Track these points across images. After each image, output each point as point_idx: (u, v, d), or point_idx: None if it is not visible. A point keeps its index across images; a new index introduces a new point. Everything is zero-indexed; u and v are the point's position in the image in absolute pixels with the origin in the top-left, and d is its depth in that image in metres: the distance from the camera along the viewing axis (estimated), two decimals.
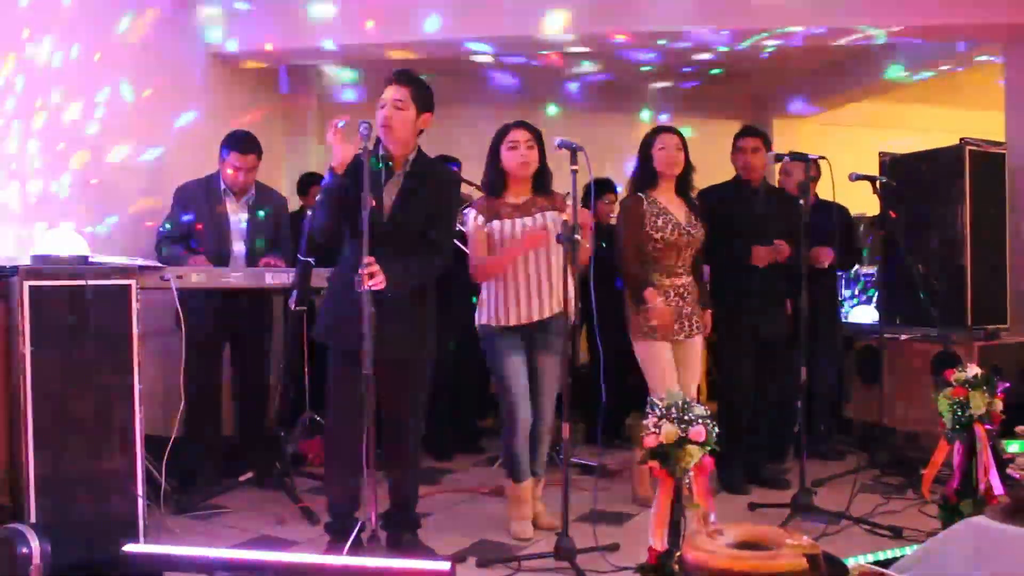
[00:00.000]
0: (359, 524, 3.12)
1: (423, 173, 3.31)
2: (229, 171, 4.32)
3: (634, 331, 4.03)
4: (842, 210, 4.51)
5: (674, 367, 4.00)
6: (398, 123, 3.20)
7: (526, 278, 3.67)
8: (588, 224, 3.60)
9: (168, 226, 4.34)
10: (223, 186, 4.37)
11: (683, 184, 4.09)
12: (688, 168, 4.07)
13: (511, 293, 3.68)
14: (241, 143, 4.33)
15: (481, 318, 3.77)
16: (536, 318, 3.68)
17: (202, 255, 4.21)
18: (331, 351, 3.36)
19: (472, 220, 3.73)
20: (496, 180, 3.75)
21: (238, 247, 4.38)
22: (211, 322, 4.26)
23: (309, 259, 3.85)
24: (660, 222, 3.98)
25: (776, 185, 5.03)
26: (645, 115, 7.63)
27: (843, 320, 5.58)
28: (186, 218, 4.33)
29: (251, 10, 5.35)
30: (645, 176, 4.07)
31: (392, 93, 3.25)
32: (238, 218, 4.39)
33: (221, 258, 4.30)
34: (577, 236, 3.23)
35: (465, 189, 5.04)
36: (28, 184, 4.03)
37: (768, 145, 4.51)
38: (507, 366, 3.69)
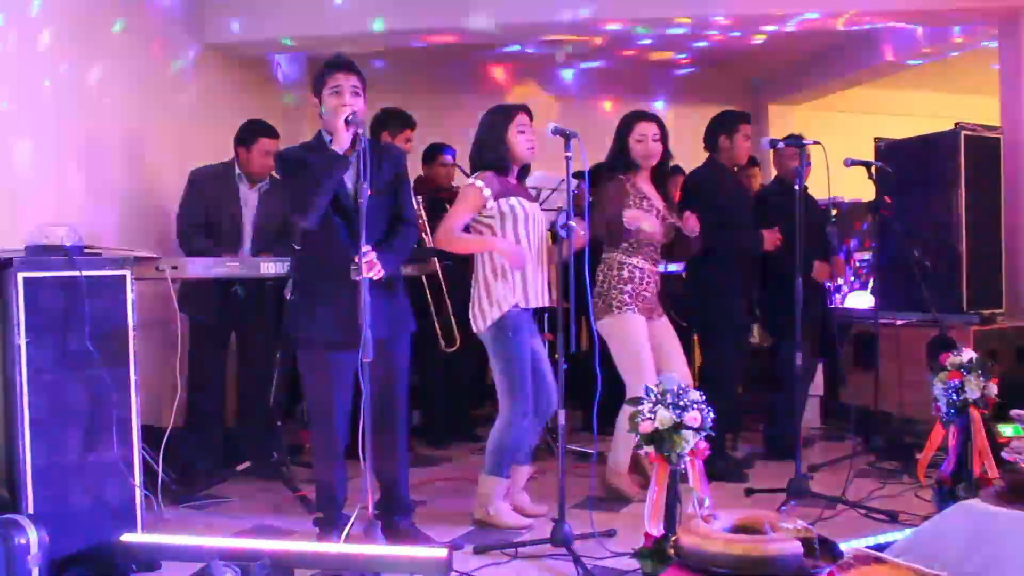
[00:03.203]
0: (350, 519, 3.13)
1: (375, 154, 3.27)
2: (258, 158, 4.41)
3: (601, 308, 3.94)
4: (816, 203, 4.53)
5: (648, 343, 3.96)
6: (359, 111, 3.21)
7: (539, 263, 3.66)
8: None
9: (188, 214, 4.40)
10: (237, 172, 4.44)
11: (659, 173, 4.06)
12: (666, 156, 4.03)
13: (531, 276, 3.62)
14: (271, 129, 4.46)
15: (509, 298, 3.57)
16: (546, 304, 3.70)
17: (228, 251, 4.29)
18: (305, 345, 3.36)
19: (479, 189, 3.57)
20: (505, 160, 3.64)
21: (248, 237, 4.45)
22: (217, 312, 4.29)
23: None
24: (645, 205, 3.96)
25: (774, 171, 5.03)
26: (640, 102, 7.62)
27: (834, 307, 5.59)
28: (200, 204, 4.39)
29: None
30: (621, 161, 4.02)
31: (349, 81, 3.24)
32: (250, 207, 4.46)
33: (234, 247, 4.38)
34: (572, 223, 3.23)
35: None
36: (22, 175, 4.01)
37: None
38: (525, 356, 3.61)
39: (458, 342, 4.83)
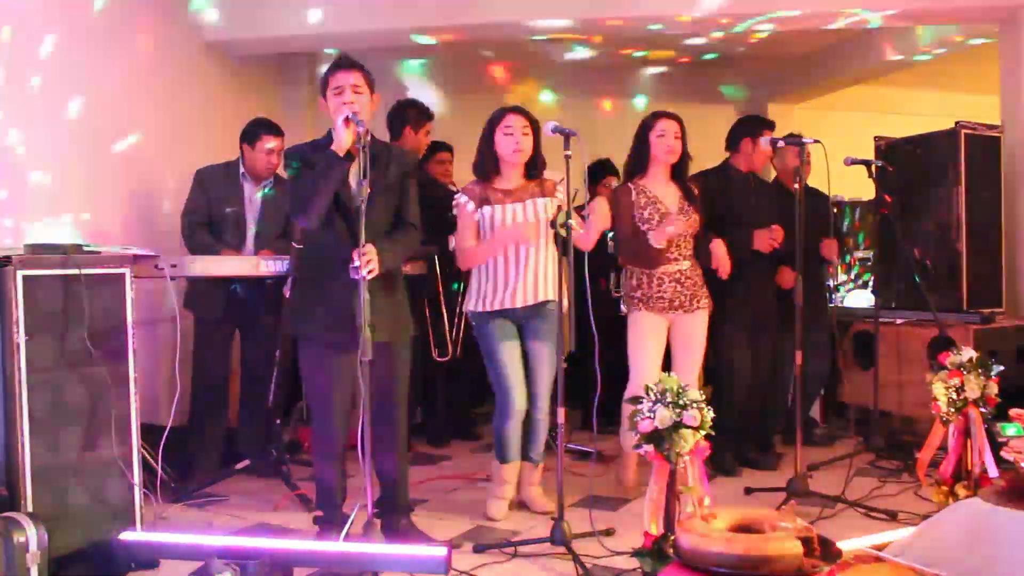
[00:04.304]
0: (350, 518, 3.14)
1: (381, 154, 3.30)
2: (261, 156, 4.41)
3: (627, 302, 4.06)
4: (826, 198, 4.51)
5: (661, 341, 4.00)
6: (363, 108, 3.20)
7: (516, 263, 3.66)
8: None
9: (192, 211, 4.41)
10: (242, 170, 4.46)
11: (678, 170, 4.07)
12: (684, 155, 4.05)
13: (502, 277, 3.67)
14: (275, 126, 4.48)
15: (471, 304, 3.76)
16: (529, 302, 3.68)
17: (231, 248, 4.32)
18: (305, 343, 3.36)
19: (463, 206, 3.72)
20: (488, 165, 3.72)
21: (251, 235, 4.46)
22: (221, 309, 4.30)
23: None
24: (647, 213, 3.97)
25: (773, 170, 5.03)
26: (639, 100, 7.62)
27: (835, 304, 5.58)
28: (204, 202, 4.40)
29: None
30: (640, 161, 4.05)
31: (349, 79, 3.23)
32: (254, 205, 4.47)
33: (238, 244, 4.40)
34: (571, 221, 3.23)
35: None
36: (21, 173, 4.01)
37: None
38: (502, 352, 3.70)
39: (450, 353, 4.85)
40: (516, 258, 3.67)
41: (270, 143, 4.40)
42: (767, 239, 4.32)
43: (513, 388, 3.69)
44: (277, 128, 4.50)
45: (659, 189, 4.03)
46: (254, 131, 4.43)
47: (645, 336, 3.99)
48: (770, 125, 4.54)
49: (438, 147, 5.38)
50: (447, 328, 4.93)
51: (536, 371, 3.76)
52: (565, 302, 3.37)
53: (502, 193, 3.70)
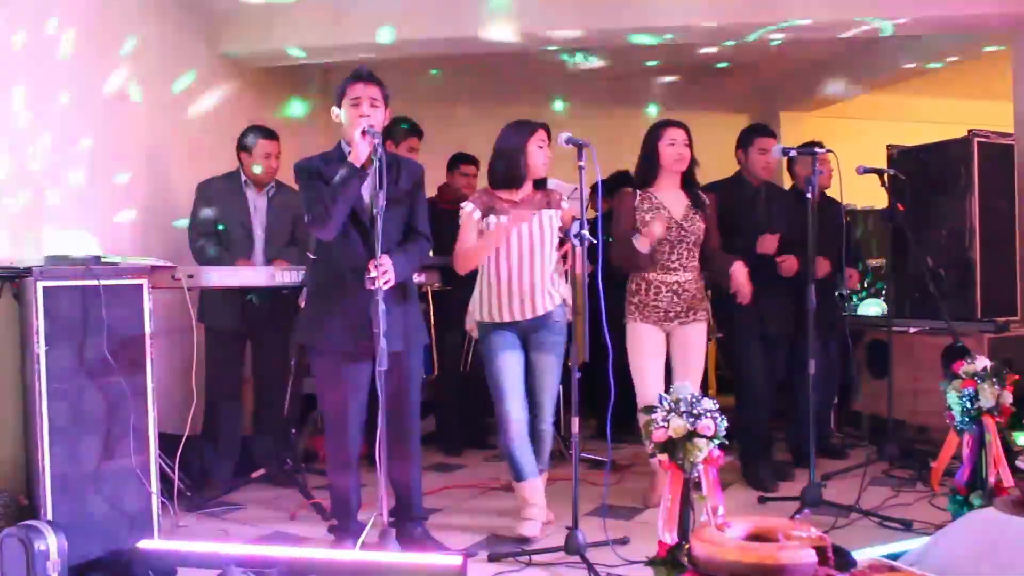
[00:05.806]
0: (365, 527, 3.16)
1: (392, 165, 3.32)
2: (260, 160, 4.45)
3: (627, 314, 4.05)
4: (840, 206, 4.50)
5: (660, 351, 4.00)
6: (377, 122, 3.23)
7: (519, 274, 3.66)
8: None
9: (199, 224, 4.44)
10: (244, 178, 4.49)
11: (688, 178, 4.08)
12: (693, 162, 4.06)
13: (504, 289, 3.66)
14: (264, 130, 4.51)
15: (476, 315, 3.76)
16: (530, 315, 3.68)
17: (241, 257, 4.36)
18: (318, 352, 3.37)
19: (468, 213, 3.70)
20: (519, 175, 3.70)
21: (259, 242, 4.49)
22: (233, 320, 4.33)
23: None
24: (648, 218, 3.96)
25: (790, 180, 5.02)
26: (652, 110, 7.63)
27: (848, 313, 5.58)
28: (209, 214, 4.43)
29: (262, 9, 5.36)
30: (649, 169, 4.05)
31: (367, 92, 3.25)
32: (260, 212, 4.50)
33: (247, 253, 4.42)
34: (585, 231, 3.24)
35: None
36: (40, 185, 4.05)
37: None
38: (499, 363, 3.67)
39: (436, 371, 4.87)
40: (520, 270, 3.66)
41: (267, 148, 4.44)
42: (770, 242, 4.34)
43: (506, 398, 3.65)
44: (271, 132, 4.53)
45: (667, 197, 4.03)
46: (249, 138, 4.47)
47: (642, 349, 3.98)
48: (763, 131, 4.53)
49: (463, 159, 5.39)
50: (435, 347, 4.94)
51: (540, 382, 3.75)
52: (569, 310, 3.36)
53: (508, 204, 3.70)
